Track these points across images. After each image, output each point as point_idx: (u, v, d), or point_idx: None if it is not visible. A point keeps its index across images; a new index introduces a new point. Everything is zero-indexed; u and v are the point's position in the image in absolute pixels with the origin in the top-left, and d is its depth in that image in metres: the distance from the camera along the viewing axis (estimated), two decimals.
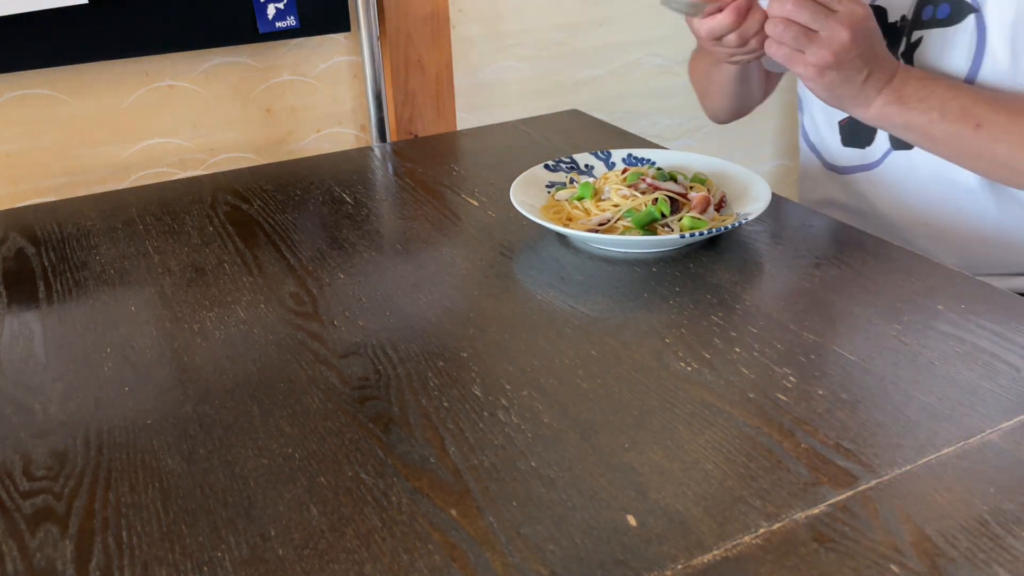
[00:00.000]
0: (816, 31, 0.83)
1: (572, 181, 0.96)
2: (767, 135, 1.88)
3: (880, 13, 0.99)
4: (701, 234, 0.82)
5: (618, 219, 0.86)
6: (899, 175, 1.01)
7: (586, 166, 0.98)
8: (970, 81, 0.94)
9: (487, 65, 1.54)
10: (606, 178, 0.93)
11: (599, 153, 1.00)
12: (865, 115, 0.89)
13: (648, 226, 0.85)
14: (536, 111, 1.54)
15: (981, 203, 0.97)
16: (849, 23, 0.82)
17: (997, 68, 0.91)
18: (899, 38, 0.98)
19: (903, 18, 0.98)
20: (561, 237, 0.88)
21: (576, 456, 0.58)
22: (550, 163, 0.96)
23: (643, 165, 0.99)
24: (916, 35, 0.96)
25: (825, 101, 0.91)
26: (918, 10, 0.96)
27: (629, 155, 1.01)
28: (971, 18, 0.92)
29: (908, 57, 0.97)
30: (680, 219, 0.85)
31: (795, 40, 0.83)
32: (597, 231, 0.85)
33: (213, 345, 0.73)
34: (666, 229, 0.84)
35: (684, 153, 1.00)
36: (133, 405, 0.66)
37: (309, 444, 0.61)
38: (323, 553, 0.52)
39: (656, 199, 0.86)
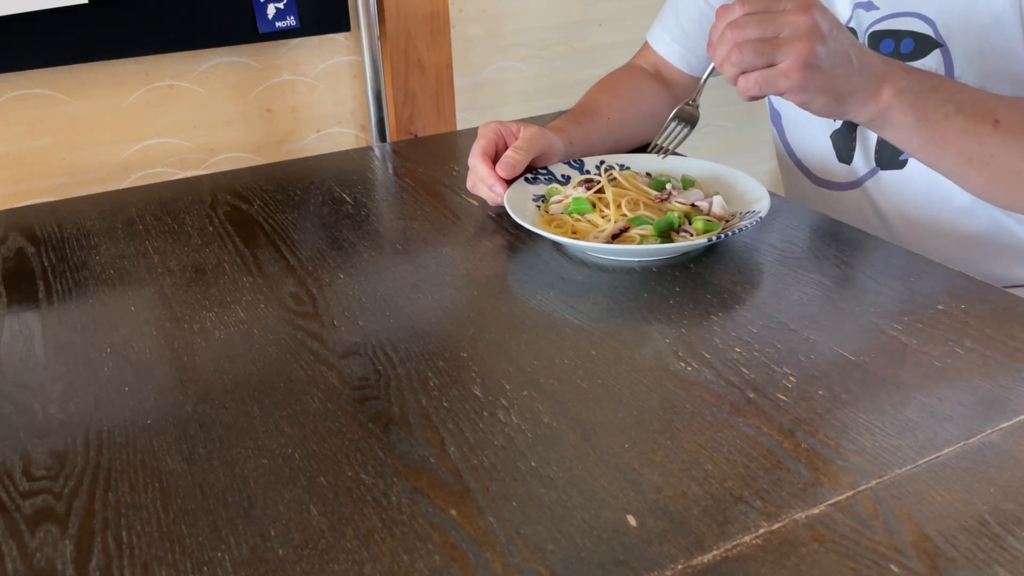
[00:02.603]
0: (773, 36, 0.75)
1: (548, 196, 0.94)
2: (767, 136, 1.89)
3: None
4: (727, 235, 0.82)
5: (625, 229, 0.85)
6: (887, 194, 1.00)
7: (563, 176, 0.98)
8: None
9: (487, 65, 1.54)
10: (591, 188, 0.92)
11: (572, 162, 1.00)
12: (875, 110, 0.79)
13: (664, 233, 0.84)
14: (536, 111, 1.54)
15: (973, 220, 0.96)
16: (802, 6, 0.74)
17: None
18: None
19: None
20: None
21: (576, 456, 0.58)
22: (528, 176, 0.95)
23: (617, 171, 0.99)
24: None
25: (826, 112, 0.80)
26: (874, 44, 0.94)
27: (602, 162, 1.00)
28: (936, 53, 0.90)
29: None
30: (692, 223, 0.85)
31: (758, 55, 0.75)
32: (612, 242, 0.84)
33: (213, 345, 0.73)
34: (682, 235, 0.84)
35: (654, 157, 0.99)
36: (133, 405, 0.66)
37: (309, 444, 0.61)
38: (323, 553, 0.52)
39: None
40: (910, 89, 0.79)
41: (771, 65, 0.76)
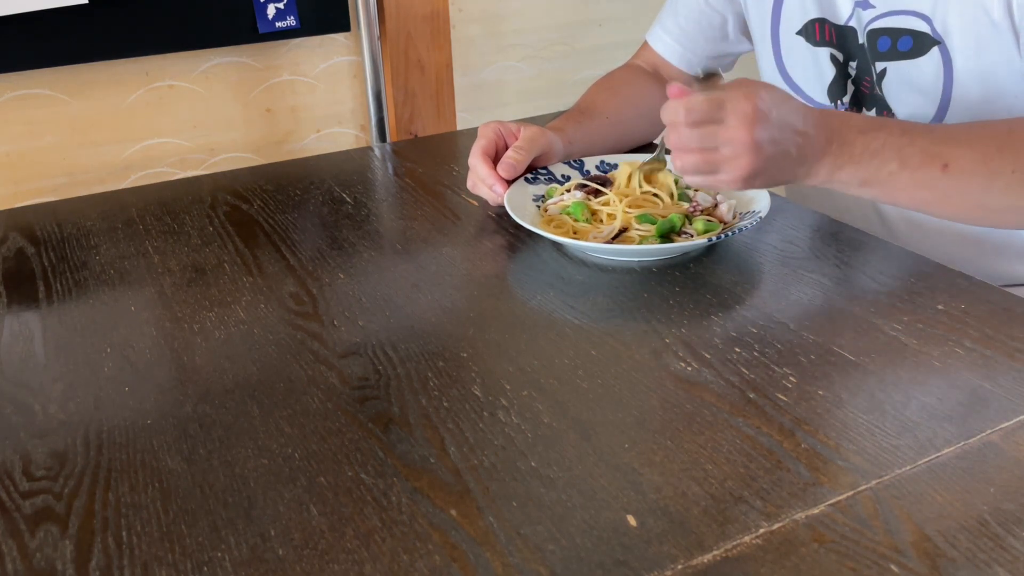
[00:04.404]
0: (713, 149, 0.76)
1: (548, 196, 0.94)
2: None
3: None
4: (726, 235, 0.82)
5: (625, 229, 0.85)
6: None
7: (563, 176, 0.98)
8: (943, 111, 0.91)
9: (487, 65, 1.54)
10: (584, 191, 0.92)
11: (572, 162, 0.99)
12: (817, 182, 0.81)
13: (665, 234, 0.84)
14: (536, 111, 1.54)
15: None
16: (741, 123, 0.75)
17: (968, 97, 0.89)
18: (867, 64, 0.96)
19: (861, 44, 0.96)
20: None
21: (576, 456, 0.58)
22: (528, 176, 0.95)
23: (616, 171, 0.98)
24: (880, 66, 0.95)
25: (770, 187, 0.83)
26: (871, 41, 0.94)
27: (602, 162, 1.00)
28: (935, 50, 0.90)
29: (878, 85, 0.96)
30: (692, 223, 0.85)
31: (699, 166, 0.77)
32: (612, 242, 0.83)
33: (213, 345, 0.73)
34: (683, 236, 0.84)
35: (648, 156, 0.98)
36: (133, 405, 0.66)
37: (309, 444, 0.61)
38: (323, 553, 0.52)
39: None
40: (850, 162, 0.79)
41: (713, 174, 0.78)
